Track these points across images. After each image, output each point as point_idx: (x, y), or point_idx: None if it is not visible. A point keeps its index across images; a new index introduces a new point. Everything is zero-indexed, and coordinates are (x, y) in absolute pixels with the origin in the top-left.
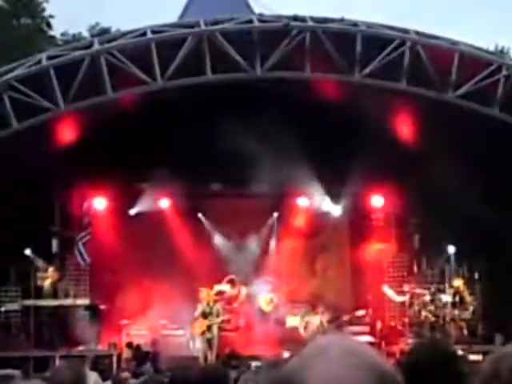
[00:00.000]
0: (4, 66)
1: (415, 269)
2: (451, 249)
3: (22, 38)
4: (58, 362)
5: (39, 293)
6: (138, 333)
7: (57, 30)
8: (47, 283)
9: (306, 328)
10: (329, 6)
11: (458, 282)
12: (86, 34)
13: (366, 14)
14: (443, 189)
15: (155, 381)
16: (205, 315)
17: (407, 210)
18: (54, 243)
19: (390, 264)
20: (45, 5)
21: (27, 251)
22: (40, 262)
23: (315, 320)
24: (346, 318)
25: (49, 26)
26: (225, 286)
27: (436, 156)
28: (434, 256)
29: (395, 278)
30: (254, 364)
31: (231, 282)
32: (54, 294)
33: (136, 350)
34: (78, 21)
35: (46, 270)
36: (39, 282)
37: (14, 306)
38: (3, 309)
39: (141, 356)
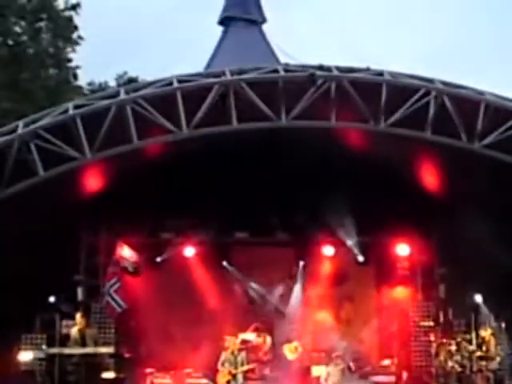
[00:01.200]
0: (31, 115)
1: (441, 318)
2: (478, 298)
3: (49, 88)
4: None
5: (65, 340)
6: (163, 381)
7: (83, 79)
8: (74, 330)
9: (326, 379)
10: (354, 54)
11: (485, 332)
12: (112, 82)
13: (392, 63)
14: (469, 237)
15: None
16: (230, 364)
17: (433, 259)
18: (79, 291)
19: (415, 313)
20: (71, 55)
21: (52, 299)
22: (65, 309)
23: (339, 369)
24: (370, 367)
25: (75, 77)
26: (250, 335)
27: (462, 205)
28: (460, 305)
29: (421, 327)
30: None
31: (256, 331)
32: (82, 342)
33: None
34: (105, 69)
35: (72, 318)
36: (64, 330)
37: (39, 354)
38: (28, 357)
39: None
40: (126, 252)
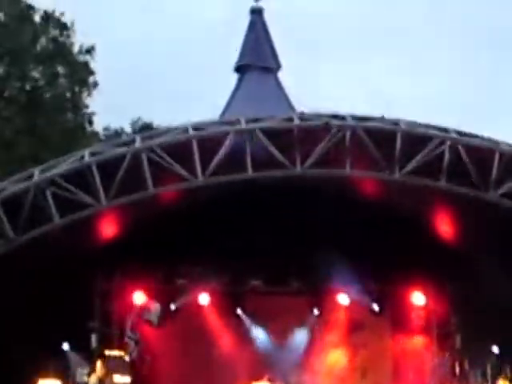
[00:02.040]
0: (47, 160)
1: (457, 369)
2: (495, 349)
3: (66, 133)
4: None
5: None
6: None
7: (98, 124)
8: (93, 379)
9: None
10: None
11: (502, 383)
12: (127, 127)
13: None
14: (485, 288)
15: None
16: None
17: (449, 308)
18: (93, 338)
19: (431, 363)
20: (87, 100)
21: (65, 346)
22: (77, 359)
23: None
24: None
25: (90, 122)
26: None
27: (477, 254)
28: (476, 356)
29: (437, 377)
30: None
31: (270, 381)
32: None
33: None
34: (119, 114)
35: (86, 365)
36: (79, 378)
37: None
38: None
39: None
40: (150, 304)
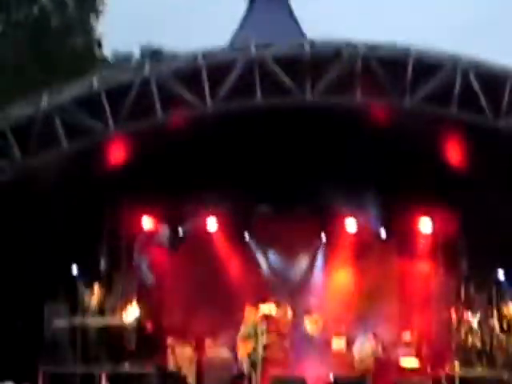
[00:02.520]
0: (55, 84)
1: (463, 293)
2: (500, 273)
3: (73, 57)
4: (104, 379)
5: (86, 310)
6: (184, 351)
7: (108, 48)
8: (93, 301)
9: (360, 351)
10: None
11: (506, 308)
12: (137, 52)
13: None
14: (493, 213)
15: None
16: (250, 336)
17: (456, 233)
18: (102, 261)
19: (437, 287)
20: (95, 24)
21: (74, 268)
22: (81, 284)
23: (370, 345)
24: (393, 343)
25: (99, 45)
26: (271, 307)
27: (486, 181)
28: (482, 280)
29: (442, 301)
30: None
31: (277, 303)
32: (100, 312)
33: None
34: (129, 40)
35: (90, 288)
36: (87, 300)
37: (62, 323)
38: (52, 325)
39: None
40: (160, 228)
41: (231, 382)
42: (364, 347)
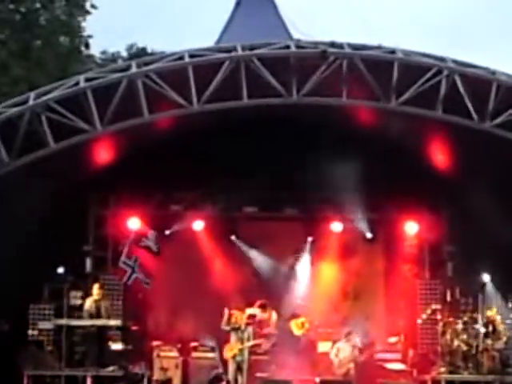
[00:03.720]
0: (42, 83)
1: (448, 297)
2: (486, 277)
3: (61, 57)
4: (89, 381)
5: (73, 311)
6: (169, 354)
7: (94, 49)
8: (89, 302)
9: (337, 355)
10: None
11: (492, 311)
12: (124, 53)
13: (403, 41)
14: (479, 217)
15: None
16: (236, 339)
17: (442, 237)
18: (88, 262)
19: (422, 291)
20: (83, 24)
21: (60, 270)
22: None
23: (347, 347)
24: (378, 346)
25: (87, 46)
26: (256, 310)
27: (472, 184)
28: (467, 284)
29: (428, 305)
30: None
31: (262, 306)
32: (97, 314)
33: None
34: (116, 39)
35: (80, 289)
36: (73, 301)
37: (47, 325)
38: (37, 327)
39: None
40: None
41: (210, 383)
42: (342, 351)
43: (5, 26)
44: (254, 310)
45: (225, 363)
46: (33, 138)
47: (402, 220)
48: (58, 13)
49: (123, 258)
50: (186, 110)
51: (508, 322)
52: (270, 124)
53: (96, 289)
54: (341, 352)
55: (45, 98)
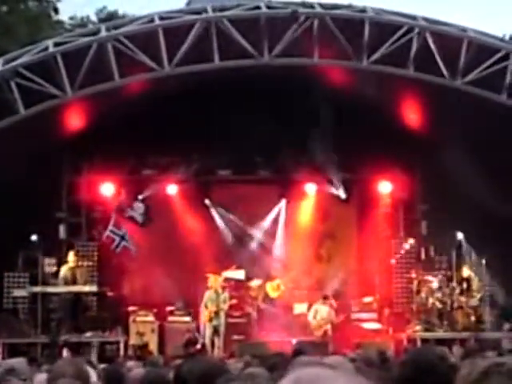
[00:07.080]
0: (11, 49)
1: (423, 255)
2: (459, 235)
3: (29, 22)
4: (64, 348)
5: (48, 279)
6: (146, 319)
7: (64, 13)
8: (65, 269)
9: (315, 317)
10: None
11: (466, 269)
12: (93, 17)
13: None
14: (452, 175)
15: (158, 374)
16: (212, 302)
17: (415, 196)
18: (62, 229)
19: (397, 250)
20: None
21: (33, 237)
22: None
23: (324, 308)
24: (353, 306)
25: (56, 10)
26: (232, 273)
27: (445, 143)
28: (442, 243)
29: (403, 264)
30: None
31: (238, 269)
32: (73, 280)
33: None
34: (85, 4)
35: (54, 256)
36: (47, 268)
37: (22, 293)
38: (11, 295)
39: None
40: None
41: (184, 347)
42: (319, 312)
43: None
44: (230, 273)
45: (200, 327)
46: (3, 105)
47: (375, 180)
48: None
49: (111, 226)
50: (157, 73)
51: (482, 279)
52: (243, 86)
53: (71, 256)
54: (318, 314)
55: (14, 63)
